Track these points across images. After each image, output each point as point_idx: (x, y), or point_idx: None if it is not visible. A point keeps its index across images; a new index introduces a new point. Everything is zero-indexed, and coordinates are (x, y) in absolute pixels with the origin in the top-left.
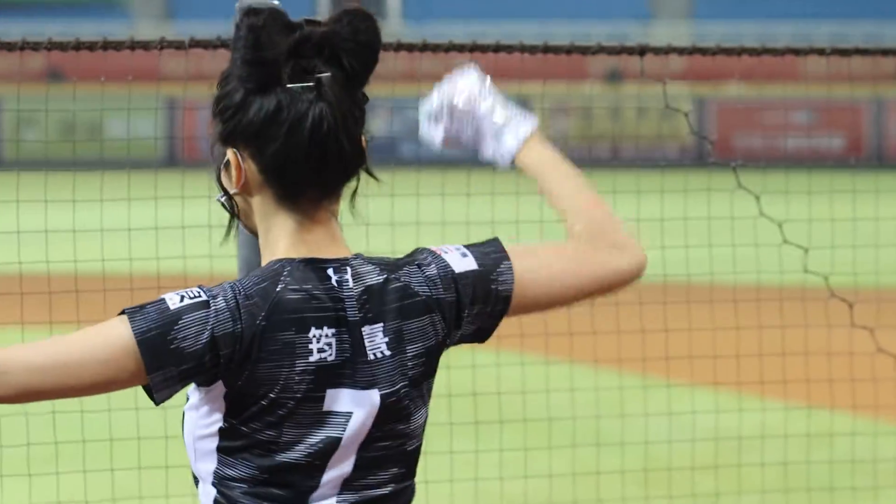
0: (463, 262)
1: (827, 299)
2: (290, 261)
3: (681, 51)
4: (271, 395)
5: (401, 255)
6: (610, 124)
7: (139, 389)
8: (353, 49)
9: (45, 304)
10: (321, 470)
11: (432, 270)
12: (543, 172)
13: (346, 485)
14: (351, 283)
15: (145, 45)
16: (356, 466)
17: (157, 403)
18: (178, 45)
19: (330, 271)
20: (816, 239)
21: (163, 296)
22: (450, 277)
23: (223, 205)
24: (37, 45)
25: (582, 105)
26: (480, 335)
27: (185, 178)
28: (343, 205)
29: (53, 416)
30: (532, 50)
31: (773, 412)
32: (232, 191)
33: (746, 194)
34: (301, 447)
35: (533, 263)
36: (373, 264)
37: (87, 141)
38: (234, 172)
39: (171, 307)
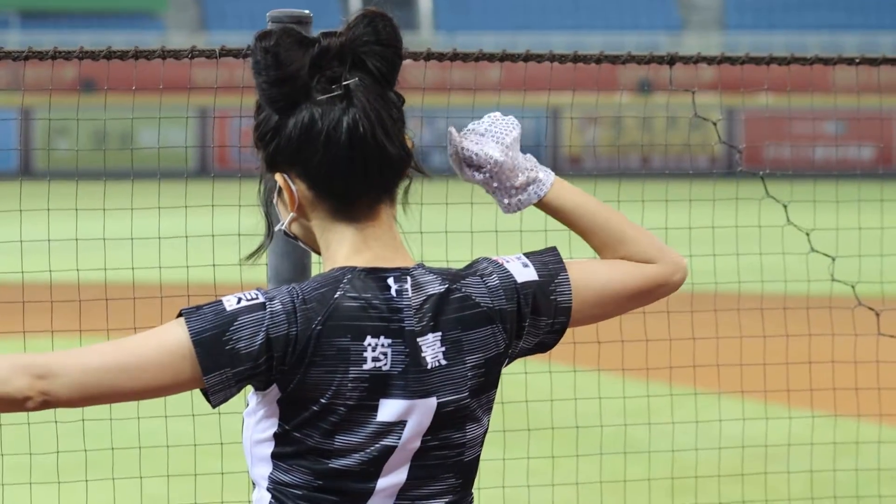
0: (524, 272)
1: (854, 308)
2: (352, 269)
3: (710, 60)
4: (323, 401)
5: (459, 265)
6: (640, 134)
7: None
8: (376, 50)
9: (74, 313)
10: (375, 477)
11: (494, 281)
12: (579, 212)
13: (402, 494)
14: (410, 293)
15: (176, 55)
16: (411, 475)
17: (213, 406)
18: (209, 55)
19: (390, 281)
20: (844, 248)
21: (221, 297)
22: (512, 288)
23: (286, 233)
24: (69, 54)
25: (612, 115)
26: (541, 348)
27: (216, 187)
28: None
29: (83, 424)
30: (562, 59)
31: (799, 420)
32: (289, 216)
33: (774, 203)
34: (355, 455)
35: (588, 276)
36: (434, 274)
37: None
38: (286, 196)
39: (228, 308)
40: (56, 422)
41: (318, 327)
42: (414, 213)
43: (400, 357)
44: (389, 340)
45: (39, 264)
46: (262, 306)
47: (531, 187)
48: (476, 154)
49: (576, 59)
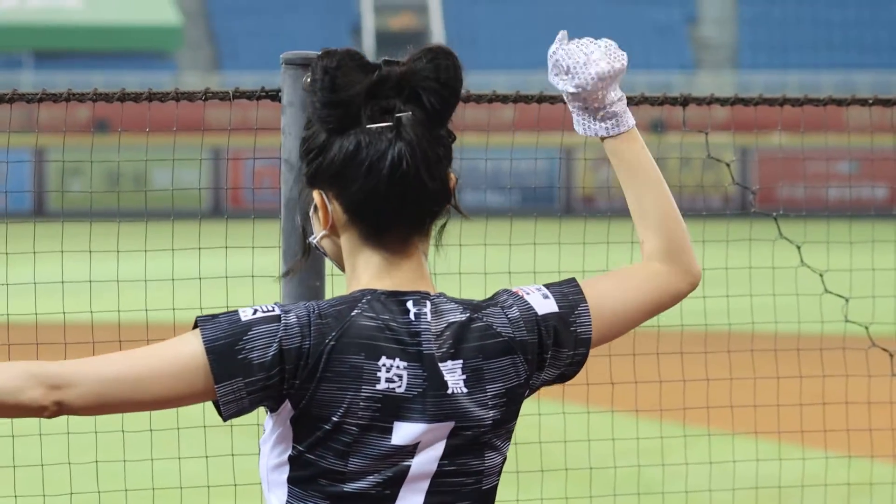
0: (545, 304)
1: (867, 349)
2: (372, 291)
3: (723, 101)
4: (335, 419)
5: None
6: None
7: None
8: (434, 87)
9: (88, 354)
10: (391, 501)
11: (515, 313)
12: (634, 168)
13: None
14: (430, 318)
15: (190, 97)
16: (427, 501)
17: (224, 418)
18: (223, 97)
19: (409, 304)
20: (857, 288)
21: (237, 308)
22: (533, 320)
23: (316, 247)
24: (82, 96)
25: None
26: (562, 380)
27: (230, 227)
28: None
29: (96, 466)
30: None
31: (813, 461)
32: (321, 232)
33: (787, 244)
34: (370, 477)
35: (605, 300)
36: (455, 303)
37: (132, 191)
38: (321, 213)
39: (243, 318)
40: (70, 463)
41: (332, 342)
42: (442, 251)
43: (417, 381)
44: (406, 363)
45: (53, 306)
46: (278, 318)
47: (609, 121)
48: (577, 63)
49: None
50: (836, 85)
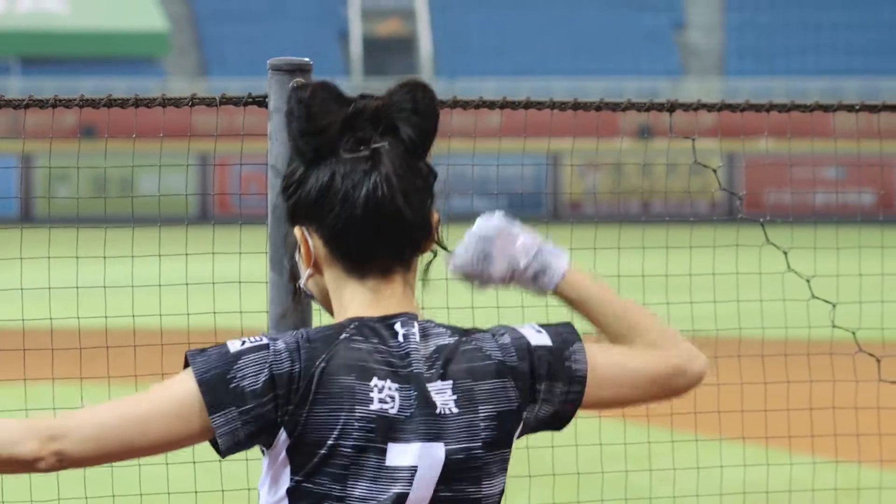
0: (538, 337)
1: (854, 354)
2: (360, 318)
3: (710, 107)
4: (330, 442)
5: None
6: (640, 180)
7: None
8: (411, 119)
9: (75, 359)
10: None
11: (506, 340)
12: (591, 303)
13: None
14: (418, 338)
15: (176, 102)
16: None
17: (223, 454)
18: (210, 102)
19: (397, 326)
20: (844, 294)
21: (226, 341)
22: (524, 348)
23: (304, 291)
24: (69, 101)
25: (612, 161)
26: (558, 421)
27: (217, 233)
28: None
29: (83, 471)
30: (562, 107)
31: (800, 466)
32: (306, 272)
33: (774, 250)
34: (369, 503)
35: (604, 353)
36: (444, 327)
37: (119, 197)
38: (302, 250)
39: (232, 350)
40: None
41: (322, 364)
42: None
43: (408, 402)
44: (397, 385)
45: (40, 311)
46: (266, 346)
47: (544, 276)
48: (467, 275)
49: (576, 106)
50: (823, 91)
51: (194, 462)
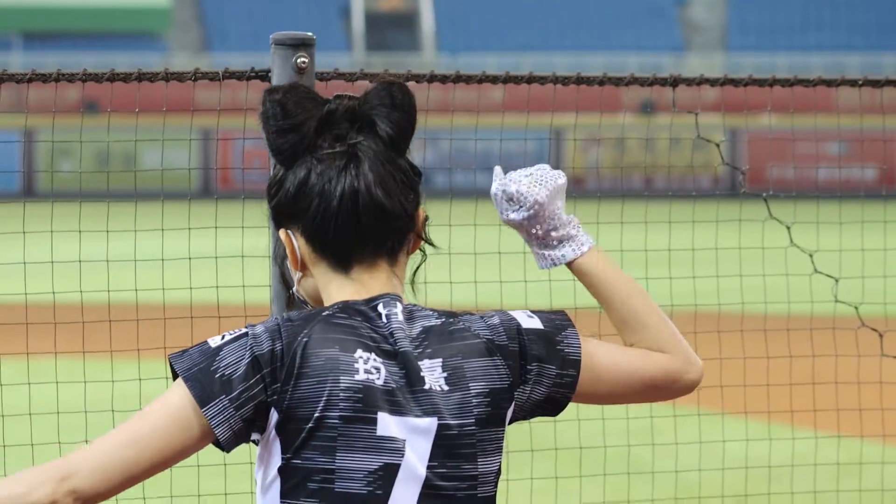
0: (529, 321)
1: (857, 329)
2: (345, 301)
3: (713, 82)
4: (316, 415)
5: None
6: (643, 155)
7: None
8: (390, 115)
9: (78, 334)
10: (384, 501)
11: (495, 320)
12: (604, 286)
13: None
14: (401, 318)
15: (179, 77)
16: None
17: (225, 448)
18: (213, 77)
19: (380, 307)
20: (847, 269)
21: (206, 339)
22: (514, 329)
23: (298, 297)
24: (72, 76)
25: (615, 136)
26: (552, 405)
27: (219, 207)
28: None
29: None
30: (565, 81)
31: (802, 441)
32: (295, 276)
33: (777, 225)
34: (359, 475)
35: (600, 348)
36: (430, 310)
37: (122, 172)
38: (289, 252)
39: (213, 345)
40: None
41: (305, 339)
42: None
43: (395, 376)
44: (383, 360)
45: (43, 286)
46: (245, 335)
47: (568, 245)
48: (519, 192)
49: (579, 80)
50: (826, 66)
51: (198, 466)
